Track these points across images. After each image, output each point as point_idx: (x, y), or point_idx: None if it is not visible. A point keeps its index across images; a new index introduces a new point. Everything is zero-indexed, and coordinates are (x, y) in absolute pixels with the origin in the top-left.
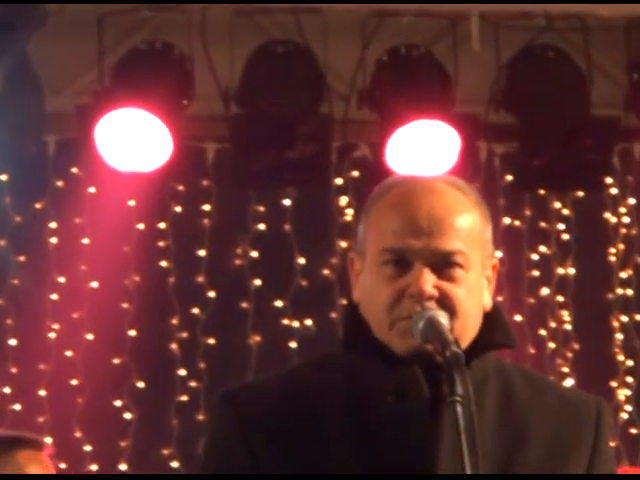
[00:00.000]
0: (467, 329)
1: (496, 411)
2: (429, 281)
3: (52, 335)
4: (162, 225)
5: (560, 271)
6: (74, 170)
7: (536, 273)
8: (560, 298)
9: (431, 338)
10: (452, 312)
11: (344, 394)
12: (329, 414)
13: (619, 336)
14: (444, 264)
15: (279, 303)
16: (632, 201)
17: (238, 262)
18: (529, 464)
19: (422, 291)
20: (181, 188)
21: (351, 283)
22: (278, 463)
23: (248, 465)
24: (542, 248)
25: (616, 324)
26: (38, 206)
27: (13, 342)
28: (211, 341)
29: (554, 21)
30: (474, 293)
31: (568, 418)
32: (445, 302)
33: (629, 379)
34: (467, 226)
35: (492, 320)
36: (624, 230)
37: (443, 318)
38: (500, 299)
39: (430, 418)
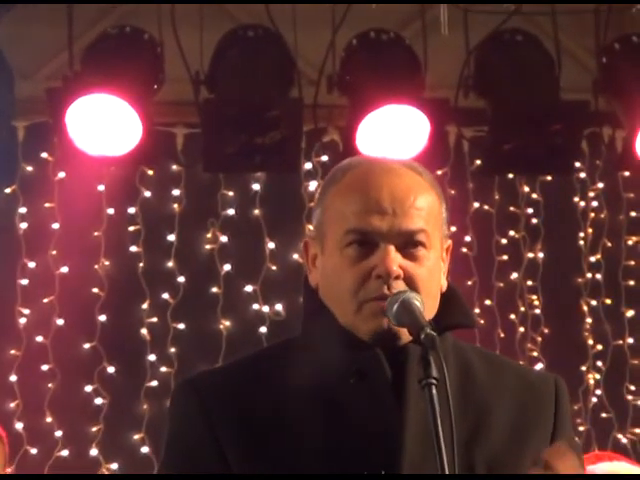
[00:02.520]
0: (427, 308)
1: (457, 391)
2: (395, 260)
3: (22, 320)
4: (132, 210)
5: (529, 255)
6: (44, 155)
7: (505, 257)
8: (529, 282)
9: (405, 321)
10: (416, 291)
11: (306, 377)
12: (292, 397)
13: (589, 320)
14: (408, 244)
15: (249, 288)
16: (601, 185)
17: (208, 247)
18: (493, 443)
19: (389, 271)
20: (151, 173)
21: (307, 268)
22: (242, 448)
23: (214, 451)
24: (511, 232)
25: (585, 308)
26: (8, 191)
27: None
28: (181, 326)
29: (523, 5)
30: (434, 272)
31: (527, 396)
32: (409, 282)
33: (599, 363)
34: (427, 206)
35: (449, 300)
36: (593, 214)
37: (417, 300)
38: (470, 283)
39: (394, 400)
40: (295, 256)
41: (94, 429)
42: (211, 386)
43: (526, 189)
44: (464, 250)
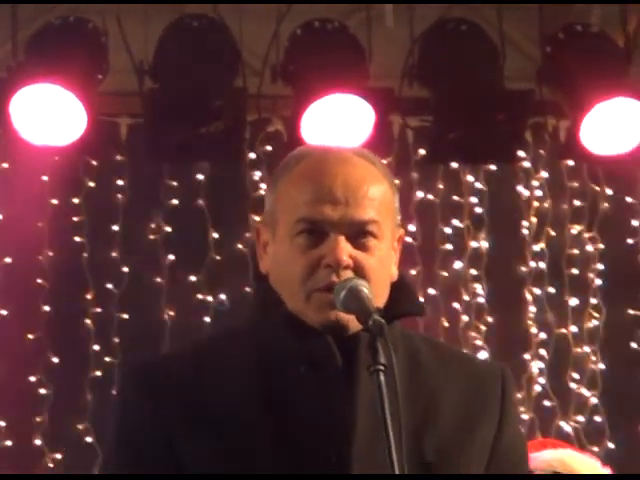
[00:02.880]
0: (377, 297)
1: (405, 379)
2: (345, 250)
3: None
4: (76, 200)
5: (473, 244)
6: None
7: (449, 246)
8: (473, 271)
9: (353, 308)
10: (364, 281)
11: (256, 365)
12: (241, 386)
13: (532, 309)
14: (358, 234)
15: (193, 278)
16: (544, 174)
17: (152, 237)
18: (441, 430)
19: (339, 260)
20: (95, 163)
21: (258, 254)
22: (191, 434)
23: (162, 437)
24: (455, 221)
25: (529, 297)
26: None
27: None
28: (125, 316)
29: None
30: (385, 262)
31: (474, 385)
32: (359, 271)
33: (542, 352)
34: (379, 196)
35: (398, 289)
36: (537, 203)
37: (365, 287)
38: (414, 272)
39: (344, 387)
40: (239, 246)
41: (38, 419)
42: (158, 372)
43: (470, 178)
44: (408, 239)
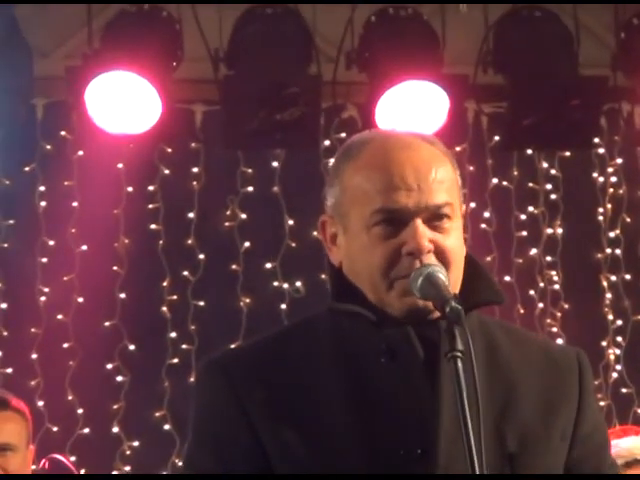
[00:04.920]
0: (457, 278)
1: (483, 368)
2: (425, 236)
3: (43, 298)
4: (151, 188)
5: (548, 231)
6: (63, 133)
7: (524, 233)
8: (549, 258)
9: (430, 294)
10: (447, 264)
11: (336, 357)
12: (322, 378)
13: (608, 295)
14: (435, 217)
15: (269, 265)
16: (619, 161)
17: (227, 224)
18: (521, 418)
19: (421, 246)
20: (170, 150)
21: (326, 247)
22: (272, 424)
23: (245, 427)
24: (530, 208)
25: (605, 284)
26: (27, 169)
27: (4, 306)
28: (201, 303)
29: None
30: (461, 241)
31: (552, 370)
32: (440, 254)
33: (619, 338)
34: (447, 177)
35: (475, 275)
36: (612, 190)
37: (441, 274)
38: (489, 259)
39: (426, 377)
40: (314, 233)
41: (115, 407)
42: (238, 364)
43: (545, 165)
44: (483, 226)
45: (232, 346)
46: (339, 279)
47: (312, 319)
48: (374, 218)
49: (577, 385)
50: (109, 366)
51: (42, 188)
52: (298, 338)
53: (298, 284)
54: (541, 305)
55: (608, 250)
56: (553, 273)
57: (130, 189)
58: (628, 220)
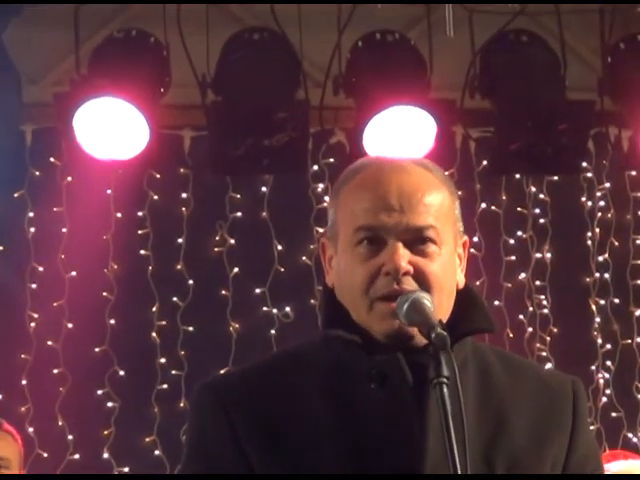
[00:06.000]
0: (442, 304)
1: (476, 394)
2: (404, 257)
3: (32, 324)
4: (140, 213)
5: (537, 255)
6: (52, 159)
7: (513, 258)
8: (538, 282)
9: (415, 321)
10: (428, 287)
11: (326, 381)
12: (312, 402)
13: (597, 320)
14: (417, 240)
15: (258, 290)
16: (607, 185)
17: (216, 249)
18: (512, 446)
19: (398, 267)
20: (159, 176)
21: (324, 269)
22: (262, 448)
23: (236, 451)
24: (519, 232)
25: (594, 308)
26: (16, 195)
27: None
28: (191, 329)
29: (528, 6)
30: (448, 269)
31: (546, 399)
32: (420, 278)
33: (608, 362)
34: (437, 202)
35: (469, 302)
36: (600, 214)
37: (427, 300)
38: (478, 284)
39: (415, 403)
40: (304, 258)
41: (105, 432)
42: (230, 388)
43: (533, 189)
44: (472, 251)
45: (224, 371)
46: (330, 302)
47: (305, 344)
48: (356, 236)
49: (571, 413)
50: (99, 392)
51: (31, 214)
52: (290, 364)
53: (287, 309)
54: (530, 329)
55: (597, 274)
56: (542, 297)
57: (119, 215)
58: (616, 244)
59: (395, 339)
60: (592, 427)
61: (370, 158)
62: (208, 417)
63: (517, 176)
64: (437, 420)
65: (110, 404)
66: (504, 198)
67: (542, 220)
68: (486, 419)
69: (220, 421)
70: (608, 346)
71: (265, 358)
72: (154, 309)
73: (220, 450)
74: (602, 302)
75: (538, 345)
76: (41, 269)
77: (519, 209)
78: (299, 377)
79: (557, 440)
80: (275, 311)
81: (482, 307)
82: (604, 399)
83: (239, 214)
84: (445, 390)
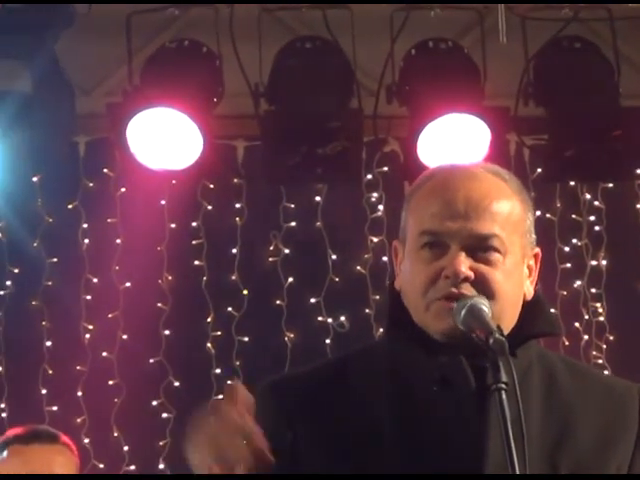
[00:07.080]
0: (505, 313)
1: (541, 399)
2: (464, 263)
3: (87, 336)
4: (194, 224)
5: (592, 263)
6: (105, 170)
7: (568, 265)
8: (593, 290)
9: (474, 326)
10: (489, 295)
11: (388, 383)
12: (375, 403)
13: None
14: (481, 247)
15: (313, 299)
16: None
17: (271, 259)
18: (578, 451)
19: (457, 272)
20: (212, 186)
21: (395, 272)
22: (322, 449)
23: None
24: (574, 240)
25: None
26: (70, 207)
27: (49, 343)
28: (246, 339)
29: (580, 12)
30: (512, 278)
31: (611, 405)
32: (481, 284)
33: None
34: (505, 211)
35: (535, 308)
36: None
37: (485, 306)
38: None
39: (476, 406)
40: (358, 267)
41: (161, 443)
42: (291, 388)
43: (588, 196)
44: None
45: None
46: (395, 304)
47: (372, 345)
48: (420, 240)
49: (637, 417)
50: (154, 403)
51: (85, 225)
52: (352, 363)
53: (342, 319)
54: (586, 337)
55: None
56: (598, 305)
57: (173, 225)
58: None
59: (452, 338)
60: None
61: (444, 165)
62: (268, 416)
63: (571, 183)
64: (498, 423)
65: (165, 415)
66: (559, 206)
67: (597, 227)
68: (551, 422)
69: (279, 420)
70: None
71: (329, 359)
72: (209, 320)
73: (279, 449)
74: None
75: (594, 353)
76: (95, 280)
77: (574, 216)
78: (362, 378)
79: (622, 444)
80: (330, 321)
81: (546, 311)
82: None
83: (293, 224)
84: (504, 396)
